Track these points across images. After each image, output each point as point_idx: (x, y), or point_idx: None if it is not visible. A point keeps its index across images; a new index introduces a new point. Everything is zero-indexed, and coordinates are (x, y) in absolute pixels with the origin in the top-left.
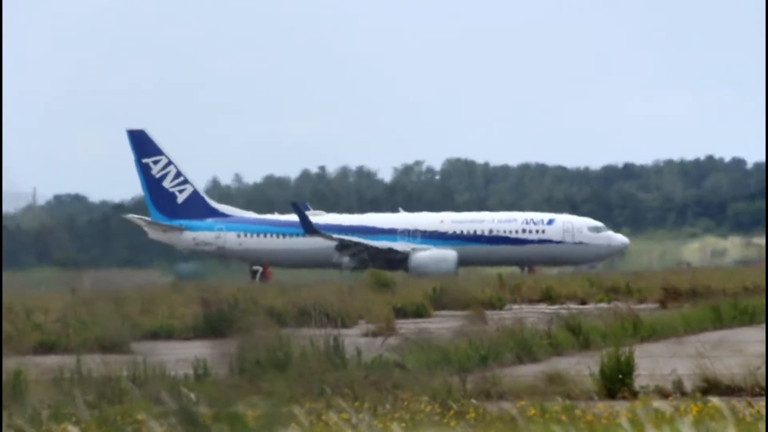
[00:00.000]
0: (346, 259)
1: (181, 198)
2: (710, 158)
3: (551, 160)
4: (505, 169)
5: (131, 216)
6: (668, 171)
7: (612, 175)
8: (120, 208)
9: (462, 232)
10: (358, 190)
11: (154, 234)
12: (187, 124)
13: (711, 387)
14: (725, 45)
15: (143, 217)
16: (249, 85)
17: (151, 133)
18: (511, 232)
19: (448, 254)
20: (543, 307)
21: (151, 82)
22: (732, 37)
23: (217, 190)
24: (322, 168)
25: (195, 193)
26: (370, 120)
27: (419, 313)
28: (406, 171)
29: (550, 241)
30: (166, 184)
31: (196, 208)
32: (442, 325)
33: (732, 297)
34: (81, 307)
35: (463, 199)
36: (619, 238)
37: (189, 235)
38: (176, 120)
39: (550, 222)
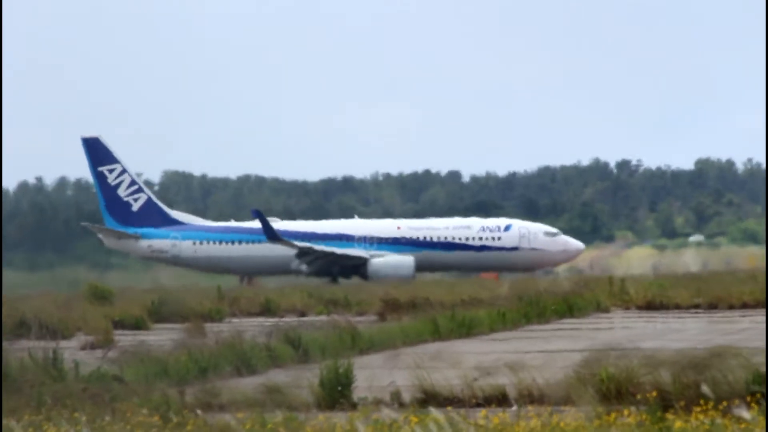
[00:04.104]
0: (305, 266)
1: (136, 206)
2: (428, 172)
3: (270, 172)
4: (224, 181)
5: (87, 224)
6: (387, 184)
7: (331, 188)
8: None
9: (418, 238)
10: (77, 203)
11: (108, 242)
12: None
13: (429, 398)
14: (442, 60)
15: (98, 225)
16: None
17: (106, 141)
18: (467, 238)
19: (406, 260)
20: (262, 320)
21: None
22: (446, 55)
23: None
24: (40, 179)
25: (150, 201)
26: (89, 131)
27: (138, 325)
28: None
29: (506, 248)
30: (121, 192)
31: (152, 216)
32: (161, 337)
33: (450, 309)
34: None
35: (180, 210)
36: (575, 244)
37: (144, 243)
38: None
39: (507, 228)
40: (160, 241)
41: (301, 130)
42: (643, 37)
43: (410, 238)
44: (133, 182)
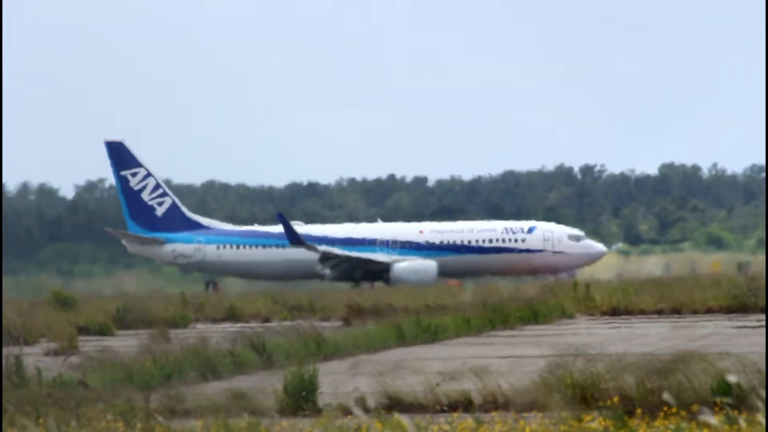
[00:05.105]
0: (328, 271)
1: (160, 211)
2: (392, 177)
3: (235, 178)
4: (188, 188)
5: (110, 229)
6: (351, 190)
7: (296, 193)
8: None
9: (441, 242)
10: (39, 208)
11: (131, 247)
12: None
13: (394, 404)
14: (408, 66)
15: (122, 231)
16: None
17: (130, 145)
18: (490, 241)
19: (429, 265)
20: (227, 326)
21: None
22: (412, 61)
23: None
24: (1, 185)
25: (174, 206)
26: (52, 134)
27: (102, 331)
28: (89, 188)
29: (530, 250)
30: (145, 196)
31: (176, 220)
32: (125, 343)
33: (414, 315)
34: None
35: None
36: (598, 247)
37: (168, 248)
38: None
39: (530, 230)
40: (185, 246)
41: (265, 135)
42: (608, 43)
43: (433, 242)
44: (157, 186)
